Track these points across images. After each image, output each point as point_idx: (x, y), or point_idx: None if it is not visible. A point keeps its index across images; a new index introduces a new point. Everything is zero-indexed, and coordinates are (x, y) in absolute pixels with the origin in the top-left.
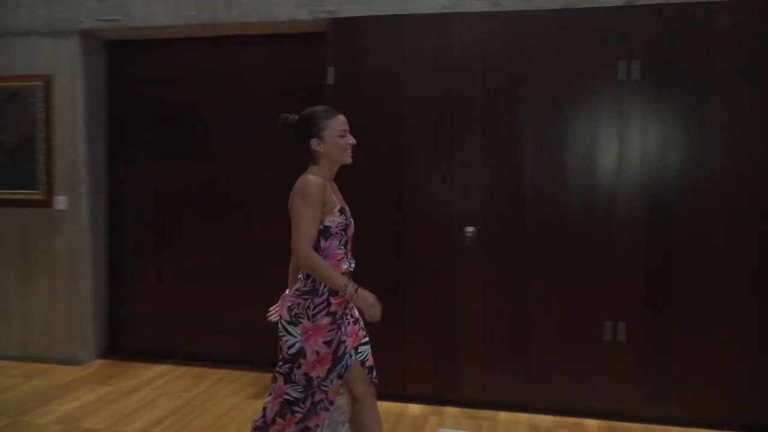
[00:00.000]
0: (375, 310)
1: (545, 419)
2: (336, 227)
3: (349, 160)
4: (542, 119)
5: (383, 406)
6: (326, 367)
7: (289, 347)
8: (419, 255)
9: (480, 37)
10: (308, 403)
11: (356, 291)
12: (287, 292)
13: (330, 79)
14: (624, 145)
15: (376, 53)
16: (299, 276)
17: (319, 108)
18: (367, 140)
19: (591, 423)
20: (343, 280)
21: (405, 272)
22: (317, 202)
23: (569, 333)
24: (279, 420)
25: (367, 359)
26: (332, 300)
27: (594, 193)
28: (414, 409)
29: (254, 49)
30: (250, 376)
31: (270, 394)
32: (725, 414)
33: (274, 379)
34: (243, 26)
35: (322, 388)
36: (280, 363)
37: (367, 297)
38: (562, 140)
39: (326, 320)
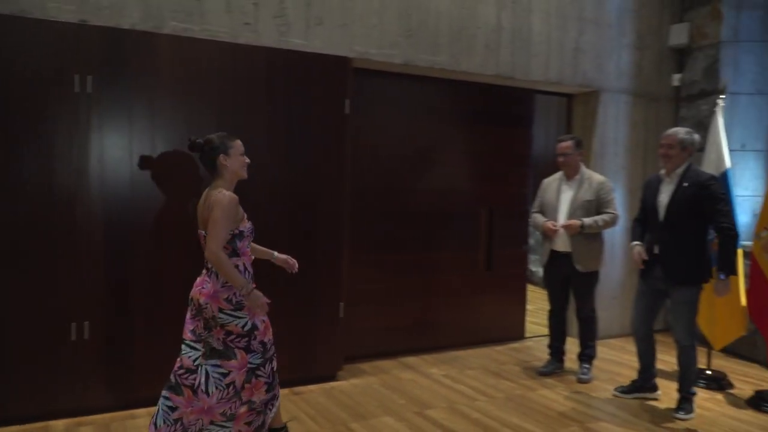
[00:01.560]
0: (265, 309)
1: (10, 430)
2: (247, 231)
3: (246, 175)
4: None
5: None
6: (270, 331)
7: (243, 326)
8: None
9: None
10: (268, 368)
11: (251, 292)
12: (213, 290)
13: None
14: (83, 155)
15: None
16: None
17: (222, 133)
18: None
19: (58, 424)
20: (243, 280)
21: None
22: (233, 214)
23: (36, 338)
24: (247, 385)
25: None
26: (253, 284)
27: (54, 201)
28: None
29: None
30: None
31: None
32: None
33: (232, 356)
34: None
35: (273, 353)
36: (236, 339)
37: (259, 297)
38: (21, 151)
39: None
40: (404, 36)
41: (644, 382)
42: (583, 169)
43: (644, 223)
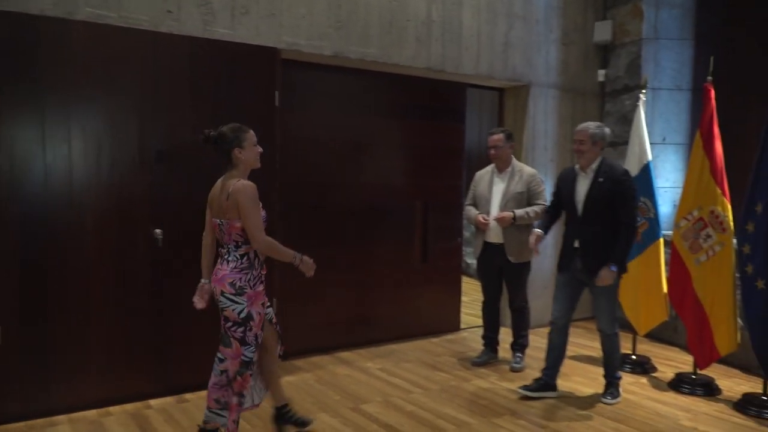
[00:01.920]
0: (313, 270)
1: None
2: (264, 219)
3: (259, 165)
4: None
5: None
6: (262, 325)
7: (239, 313)
8: None
9: None
10: (256, 364)
11: (302, 259)
12: (220, 273)
13: None
14: None
15: None
16: (231, 258)
17: (235, 125)
18: None
19: None
20: (292, 253)
21: None
22: (257, 199)
23: None
24: (239, 378)
25: (273, 316)
26: (262, 272)
27: None
28: None
29: None
30: None
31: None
32: (108, 391)
33: (228, 343)
34: None
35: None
36: (233, 327)
37: (309, 261)
38: None
39: (261, 287)
40: (334, 27)
41: (549, 379)
42: (515, 161)
43: (553, 213)
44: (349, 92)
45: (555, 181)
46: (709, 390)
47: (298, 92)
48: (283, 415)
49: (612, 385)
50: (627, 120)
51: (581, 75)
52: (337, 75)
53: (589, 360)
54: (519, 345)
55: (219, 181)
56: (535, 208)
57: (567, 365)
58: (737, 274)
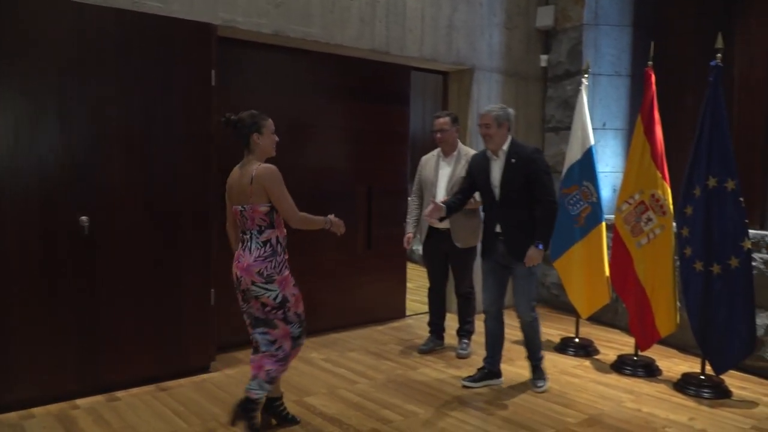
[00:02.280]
0: (343, 228)
1: None
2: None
3: (275, 153)
4: None
5: None
6: (302, 304)
7: (274, 299)
8: None
9: None
10: (304, 338)
11: (331, 221)
12: (246, 264)
13: None
14: None
15: None
16: (253, 245)
17: (254, 111)
18: None
19: None
20: (322, 219)
21: None
22: (283, 181)
23: None
24: (293, 352)
25: None
26: (285, 257)
27: None
28: None
29: None
30: None
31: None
32: (30, 391)
33: (274, 325)
34: None
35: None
36: (273, 311)
37: (337, 221)
38: None
39: (287, 272)
40: (273, 5)
41: (492, 367)
42: (460, 145)
43: (462, 198)
44: (291, 73)
45: (468, 168)
46: (650, 371)
47: (237, 72)
48: (274, 408)
49: (538, 369)
50: (569, 105)
51: (524, 59)
52: (277, 55)
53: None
54: (465, 331)
55: (236, 169)
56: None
57: (511, 350)
58: (677, 257)
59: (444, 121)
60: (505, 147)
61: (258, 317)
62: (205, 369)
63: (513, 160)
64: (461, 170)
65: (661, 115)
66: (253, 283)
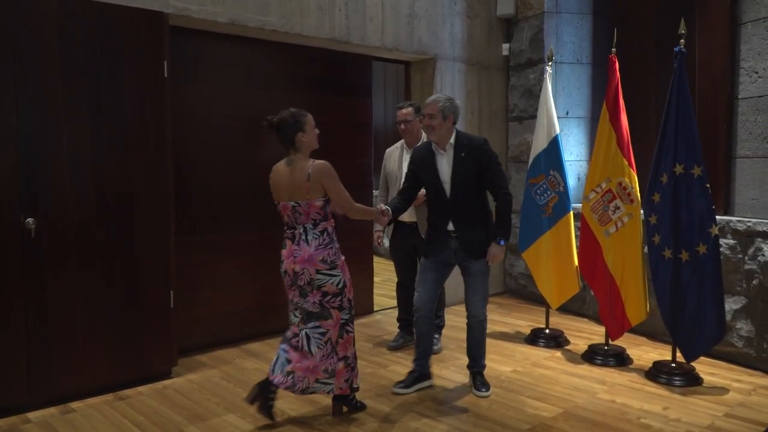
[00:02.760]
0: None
1: None
2: None
3: (318, 145)
4: None
5: None
6: (352, 290)
7: (337, 284)
8: None
9: None
10: (353, 324)
11: (381, 210)
12: (307, 255)
13: None
14: None
15: None
16: (310, 236)
17: (294, 109)
18: None
19: None
20: (374, 209)
21: None
22: (337, 176)
23: None
24: (340, 340)
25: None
26: (337, 244)
27: None
28: None
29: None
30: None
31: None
32: None
33: (327, 315)
34: None
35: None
36: (332, 299)
37: (386, 210)
38: None
39: (343, 257)
40: None
41: (423, 369)
42: (424, 136)
43: (408, 196)
44: (249, 64)
45: (408, 163)
46: (621, 360)
47: (192, 63)
48: (266, 393)
49: (481, 375)
50: (532, 94)
51: (486, 48)
52: (234, 45)
53: (505, 337)
54: (435, 326)
55: (282, 166)
56: None
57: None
58: (645, 245)
59: (407, 111)
60: (452, 140)
61: (312, 311)
62: (166, 375)
63: (463, 154)
64: None
65: (625, 102)
66: (318, 271)
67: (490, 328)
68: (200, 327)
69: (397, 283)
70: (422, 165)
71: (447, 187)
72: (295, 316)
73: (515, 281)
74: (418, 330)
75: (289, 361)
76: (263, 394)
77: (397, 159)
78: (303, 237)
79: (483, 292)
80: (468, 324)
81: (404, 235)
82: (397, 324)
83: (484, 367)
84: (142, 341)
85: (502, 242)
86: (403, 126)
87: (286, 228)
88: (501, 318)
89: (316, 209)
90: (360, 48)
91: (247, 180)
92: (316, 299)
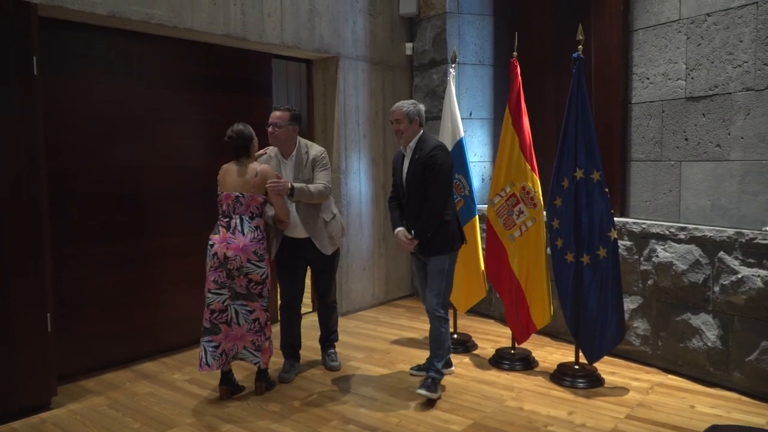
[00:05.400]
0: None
1: None
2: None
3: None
4: None
5: None
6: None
7: (261, 275)
8: None
9: None
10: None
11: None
12: (242, 244)
13: None
14: None
15: None
16: (246, 228)
17: (242, 125)
18: None
19: None
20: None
21: None
22: None
23: None
24: (268, 323)
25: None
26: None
27: None
28: None
29: None
30: None
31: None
32: None
33: (253, 298)
34: None
35: None
36: (256, 286)
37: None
38: None
39: (269, 253)
40: None
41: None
42: (301, 142)
43: (399, 202)
44: (135, 61)
45: (392, 166)
46: (527, 363)
47: (67, 59)
48: (229, 382)
49: (432, 377)
50: (436, 94)
51: (389, 48)
52: (117, 39)
53: (413, 343)
54: (331, 342)
55: (232, 165)
56: (318, 185)
57: (395, 351)
58: (548, 248)
59: (282, 114)
60: (413, 143)
61: (240, 292)
62: (44, 407)
63: (416, 156)
64: (305, 172)
65: (526, 105)
66: (248, 260)
67: (396, 333)
68: (84, 348)
69: (281, 305)
70: (395, 165)
71: (404, 186)
72: (218, 294)
73: None
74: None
75: (216, 347)
76: (230, 383)
77: (275, 167)
78: (239, 227)
79: (438, 289)
80: (429, 320)
81: (296, 250)
82: (282, 352)
83: (435, 368)
84: (14, 370)
85: (411, 235)
86: (271, 128)
87: (221, 216)
88: (409, 323)
89: (256, 203)
90: (258, 45)
91: (134, 187)
92: (243, 283)
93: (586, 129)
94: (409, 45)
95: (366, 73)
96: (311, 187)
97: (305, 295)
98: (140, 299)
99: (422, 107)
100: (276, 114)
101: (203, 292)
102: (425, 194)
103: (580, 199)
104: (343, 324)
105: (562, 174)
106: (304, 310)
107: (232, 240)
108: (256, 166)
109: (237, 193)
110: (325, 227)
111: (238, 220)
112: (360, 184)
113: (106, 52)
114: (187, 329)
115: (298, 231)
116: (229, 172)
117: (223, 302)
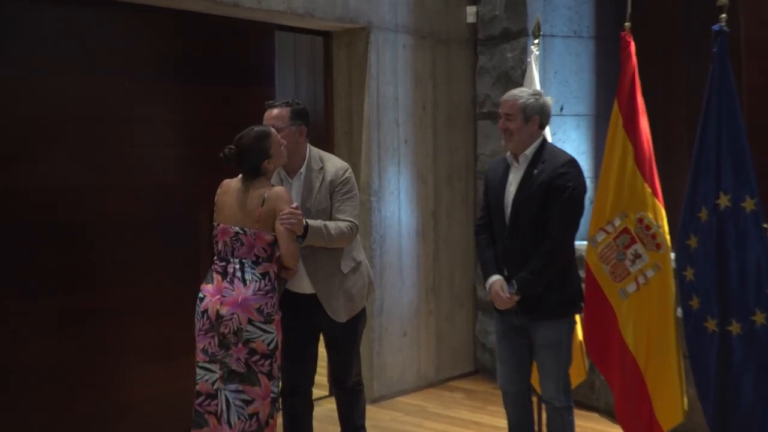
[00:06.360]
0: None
1: None
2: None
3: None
4: None
5: None
6: None
7: (269, 344)
8: None
9: None
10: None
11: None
12: (241, 298)
13: None
14: None
15: None
16: (248, 276)
17: (255, 130)
18: None
19: None
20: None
21: None
22: None
23: None
24: (270, 420)
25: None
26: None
27: None
28: None
29: None
30: None
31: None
32: None
33: (255, 380)
34: None
35: None
36: (260, 361)
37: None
38: None
39: (280, 313)
40: None
41: None
42: (313, 153)
43: (491, 234)
44: (89, 37)
45: (484, 177)
46: None
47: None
48: None
49: None
50: (510, 80)
51: (443, 13)
52: (73, 12)
53: None
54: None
55: (235, 183)
56: (340, 224)
57: None
58: (679, 310)
59: (279, 113)
60: (530, 151)
61: (235, 370)
62: None
63: (536, 172)
64: (318, 198)
65: (644, 98)
66: (250, 321)
67: (452, 431)
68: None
69: (282, 390)
70: (493, 181)
71: (508, 212)
72: (206, 370)
73: (490, 356)
74: (507, 416)
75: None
76: None
77: None
78: (239, 275)
79: (554, 371)
80: (546, 417)
81: (297, 308)
82: None
83: None
84: None
85: (512, 289)
86: None
87: (216, 259)
88: (471, 415)
89: (263, 243)
90: (256, 13)
91: (80, 215)
92: (241, 356)
93: (734, 136)
94: (471, 9)
95: (409, 49)
96: (331, 226)
97: (319, 371)
98: (88, 377)
99: (549, 101)
100: (272, 113)
101: (181, 365)
102: (542, 229)
103: (725, 237)
104: (375, 416)
105: (699, 201)
106: (317, 394)
107: (228, 292)
108: (264, 191)
109: (237, 228)
110: (342, 282)
111: (237, 265)
112: (399, 210)
113: (57, 28)
114: (155, 419)
115: (303, 284)
116: (229, 193)
117: (213, 384)
